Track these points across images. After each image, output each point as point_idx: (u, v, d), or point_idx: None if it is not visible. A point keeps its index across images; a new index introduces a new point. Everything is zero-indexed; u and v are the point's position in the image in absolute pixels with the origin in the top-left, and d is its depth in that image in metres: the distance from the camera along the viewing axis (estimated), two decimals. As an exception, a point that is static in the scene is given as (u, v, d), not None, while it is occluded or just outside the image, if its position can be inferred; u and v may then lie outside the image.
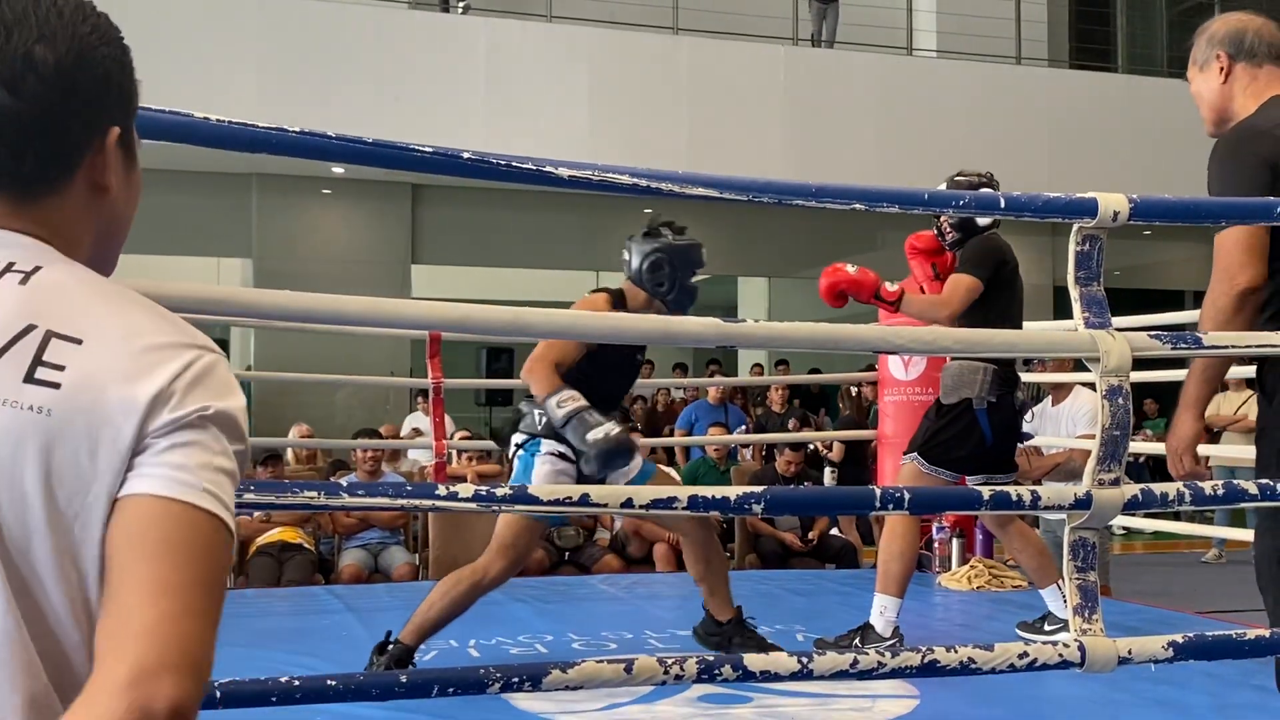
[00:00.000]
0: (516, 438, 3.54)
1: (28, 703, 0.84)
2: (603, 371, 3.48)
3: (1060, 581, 3.64)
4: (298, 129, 2.03)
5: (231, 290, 2.68)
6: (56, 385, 0.84)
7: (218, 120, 1.94)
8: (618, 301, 3.54)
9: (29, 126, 0.90)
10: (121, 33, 0.96)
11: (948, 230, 3.97)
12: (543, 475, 3.43)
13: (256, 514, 5.96)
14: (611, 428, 3.23)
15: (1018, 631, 4.10)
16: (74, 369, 0.85)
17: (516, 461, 3.52)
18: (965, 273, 3.78)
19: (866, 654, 2.25)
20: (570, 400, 3.26)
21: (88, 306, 0.88)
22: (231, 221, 11.22)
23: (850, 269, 3.68)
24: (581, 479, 3.42)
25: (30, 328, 0.86)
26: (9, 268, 0.88)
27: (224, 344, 12.76)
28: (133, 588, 0.82)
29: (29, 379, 0.84)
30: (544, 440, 3.46)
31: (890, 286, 3.70)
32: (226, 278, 12.40)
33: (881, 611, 3.85)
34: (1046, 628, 4.01)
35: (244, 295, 2.48)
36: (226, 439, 0.88)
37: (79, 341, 0.86)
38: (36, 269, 0.89)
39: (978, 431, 3.82)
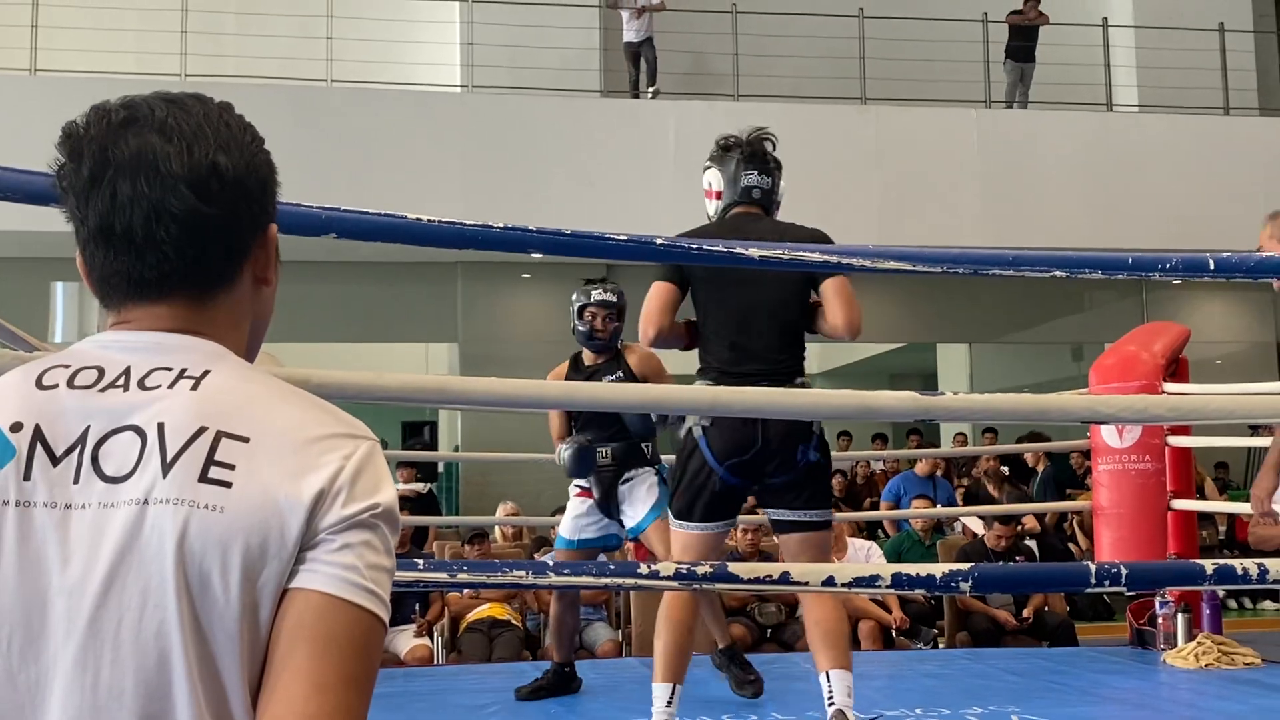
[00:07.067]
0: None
1: None
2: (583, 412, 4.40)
3: (830, 672, 3.13)
4: (501, 224, 2.13)
5: (446, 380, 2.81)
6: (228, 484, 0.91)
7: (428, 220, 2.06)
8: (574, 358, 4.52)
9: (215, 230, 1.00)
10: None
11: None
12: (568, 508, 4.55)
13: (466, 590, 6.13)
14: (564, 449, 4.36)
15: None
16: (243, 467, 0.92)
17: None
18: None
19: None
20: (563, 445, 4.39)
21: (252, 405, 0.96)
22: (438, 308, 11.70)
23: None
24: (599, 507, 4.45)
25: (202, 429, 0.93)
26: (182, 374, 0.97)
27: (433, 425, 13.27)
28: (295, 680, 0.89)
29: (203, 478, 0.91)
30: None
31: None
32: (434, 362, 12.90)
33: (653, 700, 3.39)
34: None
35: (457, 385, 2.59)
36: (390, 534, 0.95)
37: (246, 440, 0.93)
38: (206, 373, 0.97)
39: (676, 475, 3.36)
